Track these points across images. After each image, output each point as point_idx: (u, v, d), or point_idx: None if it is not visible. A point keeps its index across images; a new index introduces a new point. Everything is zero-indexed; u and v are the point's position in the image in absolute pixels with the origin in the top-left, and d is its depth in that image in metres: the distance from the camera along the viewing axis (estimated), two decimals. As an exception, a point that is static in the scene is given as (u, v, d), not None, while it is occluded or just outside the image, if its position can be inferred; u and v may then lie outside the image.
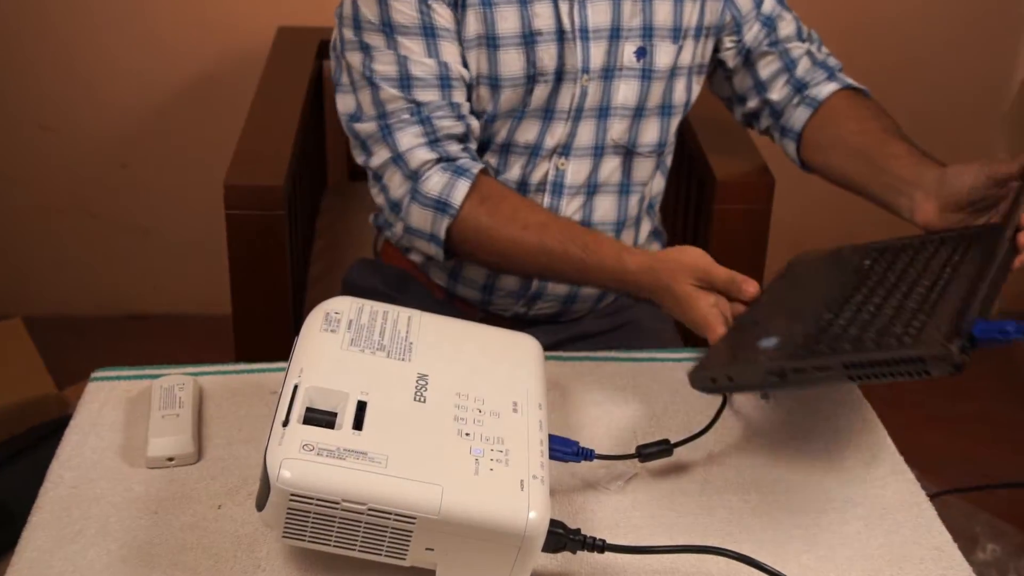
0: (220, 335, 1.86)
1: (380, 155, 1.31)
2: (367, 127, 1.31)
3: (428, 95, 1.29)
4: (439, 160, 1.29)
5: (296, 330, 1.04)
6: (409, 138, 1.29)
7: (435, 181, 1.28)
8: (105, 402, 1.14)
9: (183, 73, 2.47)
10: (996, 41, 2.56)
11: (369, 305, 1.06)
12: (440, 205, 1.27)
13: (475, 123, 1.33)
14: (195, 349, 1.71)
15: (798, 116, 1.42)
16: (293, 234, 1.68)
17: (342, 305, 1.04)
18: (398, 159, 1.30)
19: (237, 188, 1.57)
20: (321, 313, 1.03)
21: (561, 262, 1.24)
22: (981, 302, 0.94)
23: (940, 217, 1.22)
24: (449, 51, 1.30)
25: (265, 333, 1.62)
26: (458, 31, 1.30)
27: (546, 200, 1.40)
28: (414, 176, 1.29)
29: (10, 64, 2.43)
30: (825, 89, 1.42)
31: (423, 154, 1.29)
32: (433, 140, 1.29)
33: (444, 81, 1.30)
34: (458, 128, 1.30)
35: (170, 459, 1.05)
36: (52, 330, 2.38)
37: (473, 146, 1.33)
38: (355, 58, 1.32)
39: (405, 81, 1.29)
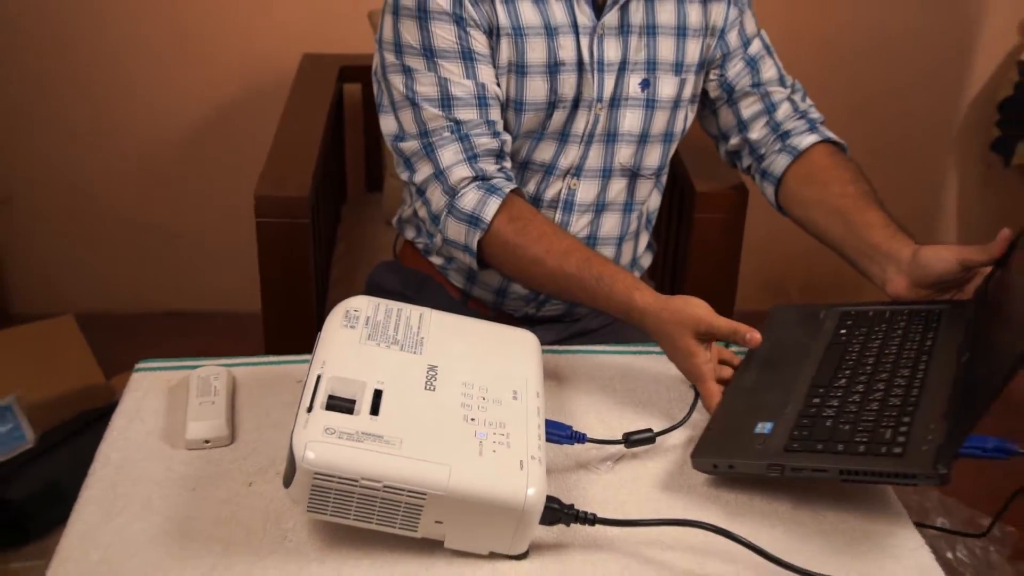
0: (249, 330, 1.86)
1: (423, 171, 1.31)
2: (410, 145, 1.31)
3: (467, 114, 1.30)
4: (475, 178, 1.29)
5: (319, 326, 1.04)
6: (450, 155, 1.29)
7: (470, 198, 1.28)
8: (148, 390, 1.15)
9: (217, 94, 2.47)
10: (944, 71, 2.58)
11: (384, 304, 1.07)
12: (473, 219, 1.28)
13: (508, 139, 1.33)
14: (226, 343, 1.72)
15: (779, 163, 1.42)
16: (316, 240, 1.69)
17: (360, 304, 1.05)
18: (439, 175, 1.29)
19: (267, 199, 1.58)
20: (341, 311, 1.04)
21: (575, 287, 1.24)
22: (969, 424, 0.93)
23: (910, 291, 1.23)
24: (485, 73, 1.30)
25: (291, 329, 1.62)
26: (492, 57, 1.31)
27: (558, 216, 1.41)
28: (452, 192, 1.29)
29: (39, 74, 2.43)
30: (806, 140, 1.41)
31: (462, 171, 1.29)
32: (471, 156, 1.29)
33: (481, 100, 1.30)
34: (494, 144, 1.31)
35: (206, 441, 1.05)
36: (99, 326, 2.38)
37: (508, 164, 1.33)
38: (397, 79, 1.31)
39: (446, 101, 1.29)
